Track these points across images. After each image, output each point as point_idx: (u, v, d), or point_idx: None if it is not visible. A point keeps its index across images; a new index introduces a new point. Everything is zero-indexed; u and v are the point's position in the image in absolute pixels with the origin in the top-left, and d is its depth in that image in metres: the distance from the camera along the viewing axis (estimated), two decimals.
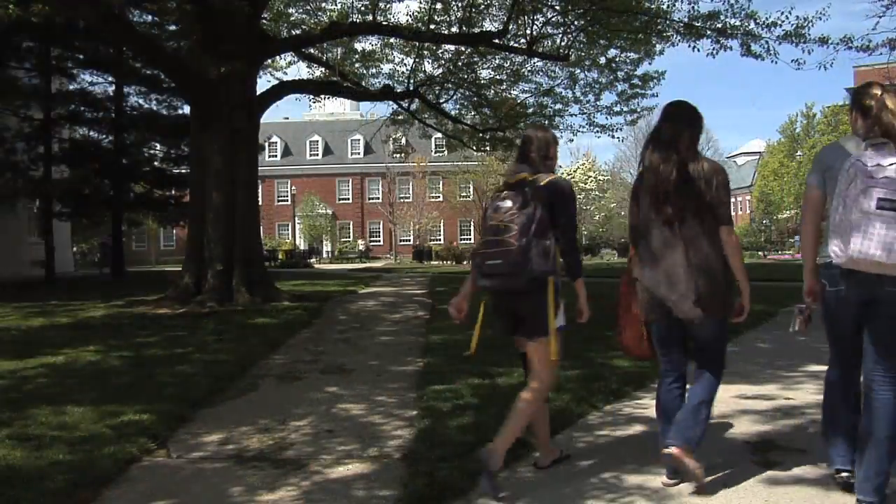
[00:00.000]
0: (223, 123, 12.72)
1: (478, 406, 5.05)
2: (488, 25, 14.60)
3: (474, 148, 20.42)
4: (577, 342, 7.83)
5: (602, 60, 15.53)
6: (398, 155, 30.50)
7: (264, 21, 14.90)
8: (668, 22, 12.66)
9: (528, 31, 13.66)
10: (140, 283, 19.56)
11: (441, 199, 51.86)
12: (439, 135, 20.92)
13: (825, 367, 3.58)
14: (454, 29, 14.65)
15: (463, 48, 15.64)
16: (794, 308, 3.39)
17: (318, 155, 57.36)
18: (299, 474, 3.88)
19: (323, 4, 15.80)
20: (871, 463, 3.05)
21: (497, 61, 16.39)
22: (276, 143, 55.62)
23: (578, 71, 16.32)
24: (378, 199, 54.79)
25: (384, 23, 14.35)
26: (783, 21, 11.64)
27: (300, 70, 17.40)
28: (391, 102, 17.12)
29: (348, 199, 56.45)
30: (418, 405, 5.24)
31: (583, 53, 15.39)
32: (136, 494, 3.66)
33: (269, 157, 53.49)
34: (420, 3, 14.93)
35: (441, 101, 16.92)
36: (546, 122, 17.99)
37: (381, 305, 12.81)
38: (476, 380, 5.89)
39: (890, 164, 2.76)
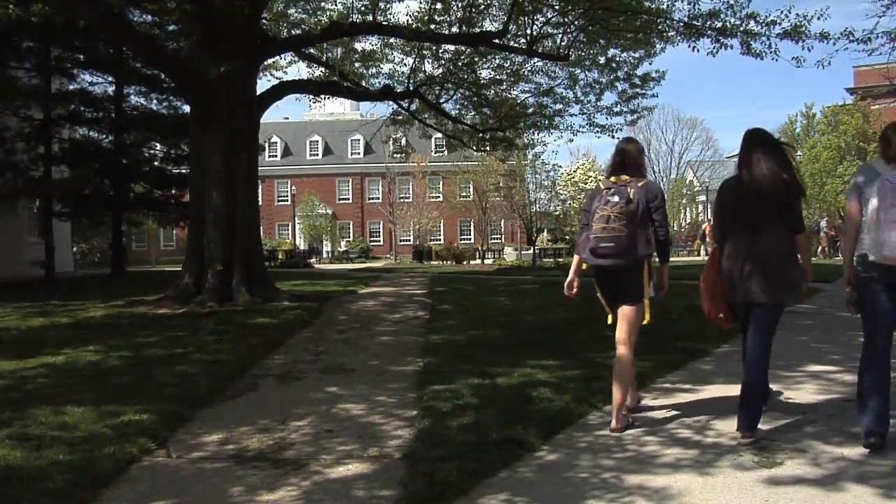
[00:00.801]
0: (223, 123, 12.72)
1: (478, 406, 5.04)
2: (488, 25, 14.59)
3: (474, 148, 20.41)
4: (577, 342, 7.83)
5: (602, 60, 15.52)
6: (398, 155, 30.53)
7: (264, 21, 14.90)
8: (668, 21, 12.66)
9: (528, 31, 13.66)
10: (140, 283, 19.56)
11: (441, 199, 51.84)
12: (439, 135, 20.90)
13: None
14: (454, 29, 14.64)
15: (463, 48, 15.63)
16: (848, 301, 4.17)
17: (318, 155, 57.35)
18: (299, 474, 3.88)
19: (323, 4, 15.79)
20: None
21: (497, 61, 16.38)
22: (276, 143, 55.61)
23: (578, 71, 16.32)
24: (378, 199, 54.77)
25: (384, 23, 14.35)
26: (783, 20, 11.63)
27: (300, 70, 17.55)
28: (391, 102, 17.12)
29: (348, 199, 56.43)
30: (418, 405, 5.24)
31: (583, 53, 15.38)
32: (136, 494, 3.66)
33: (269, 157, 53.48)
34: (420, 3, 14.94)
35: (441, 101, 16.91)
36: (546, 122, 18.01)
37: (381, 305, 12.80)
38: (476, 380, 5.89)
39: None
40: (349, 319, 10.86)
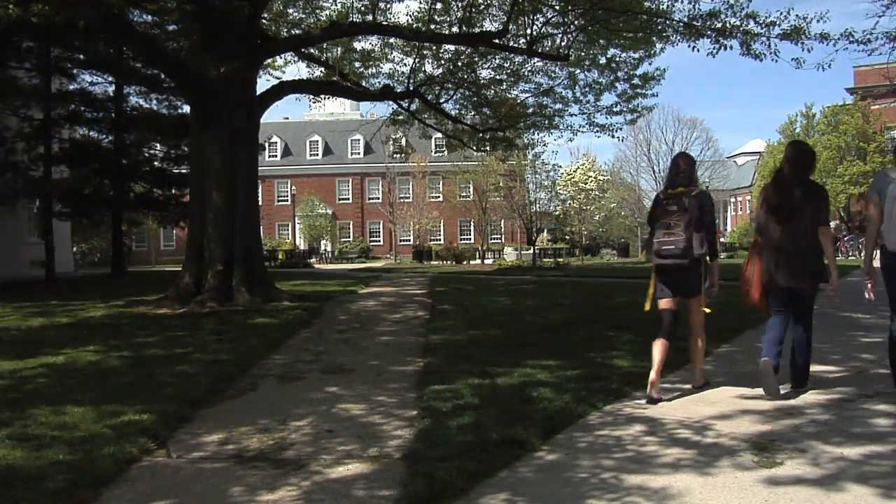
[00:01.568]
0: (223, 123, 12.72)
1: (478, 406, 5.04)
2: (488, 25, 14.59)
3: (474, 148, 20.40)
4: (577, 342, 7.83)
5: (602, 60, 15.51)
6: (398, 155, 30.48)
7: (264, 21, 14.90)
8: (667, 22, 12.65)
9: (528, 31, 13.65)
10: (140, 283, 19.56)
11: (441, 199, 51.84)
12: (439, 135, 20.90)
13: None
14: (454, 29, 14.64)
15: (463, 48, 15.63)
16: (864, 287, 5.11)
17: (318, 155, 57.35)
18: (299, 474, 3.88)
19: (322, 4, 15.79)
20: None
21: (497, 61, 16.37)
22: (276, 143, 55.60)
23: (578, 71, 16.31)
24: (378, 199, 54.76)
25: (384, 23, 14.34)
26: (782, 20, 11.61)
27: (300, 70, 17.49)
28: (391, 102, 17.11)
29: (348, 199, 56.43)
30: (418, 405, 5.24)
31: (583, 53, 15.37)
32: (136, 494, 3.66)
33: (269, 157, 53.47)
34: (420, 2, 14.93)
35: (441, 101, 16.90)
36: (546, 122, 18.01)
37: (381, 305, 12.80)
38: (476, 380, 5.89)
39: None
40: (349, 319, 10.86)
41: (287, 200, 52.29)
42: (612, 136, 17.35)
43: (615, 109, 16.86)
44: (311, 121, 59.94)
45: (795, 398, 5.18)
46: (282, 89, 14.99)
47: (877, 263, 4.98)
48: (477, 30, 14.37)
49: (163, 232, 48.66)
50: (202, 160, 12.97)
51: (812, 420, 4.61)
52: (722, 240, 44.39)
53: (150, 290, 14.98)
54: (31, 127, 20.71)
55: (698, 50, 12.78)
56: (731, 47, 12.27)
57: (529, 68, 16.63)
